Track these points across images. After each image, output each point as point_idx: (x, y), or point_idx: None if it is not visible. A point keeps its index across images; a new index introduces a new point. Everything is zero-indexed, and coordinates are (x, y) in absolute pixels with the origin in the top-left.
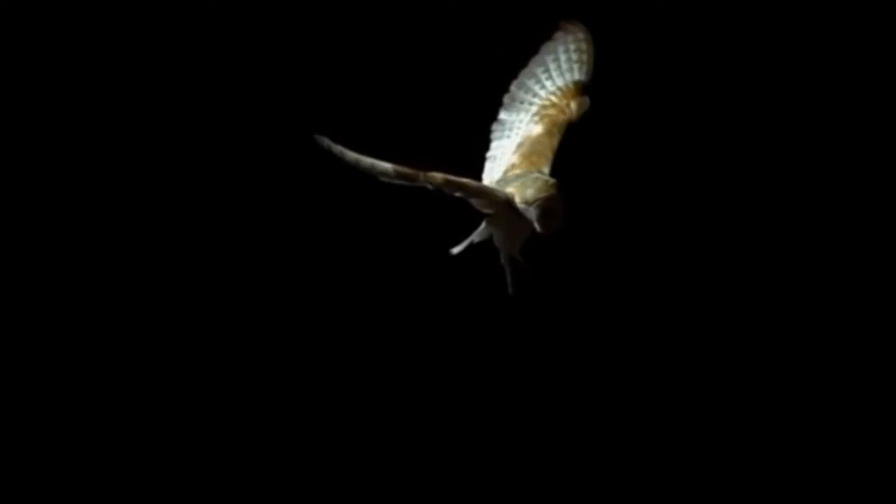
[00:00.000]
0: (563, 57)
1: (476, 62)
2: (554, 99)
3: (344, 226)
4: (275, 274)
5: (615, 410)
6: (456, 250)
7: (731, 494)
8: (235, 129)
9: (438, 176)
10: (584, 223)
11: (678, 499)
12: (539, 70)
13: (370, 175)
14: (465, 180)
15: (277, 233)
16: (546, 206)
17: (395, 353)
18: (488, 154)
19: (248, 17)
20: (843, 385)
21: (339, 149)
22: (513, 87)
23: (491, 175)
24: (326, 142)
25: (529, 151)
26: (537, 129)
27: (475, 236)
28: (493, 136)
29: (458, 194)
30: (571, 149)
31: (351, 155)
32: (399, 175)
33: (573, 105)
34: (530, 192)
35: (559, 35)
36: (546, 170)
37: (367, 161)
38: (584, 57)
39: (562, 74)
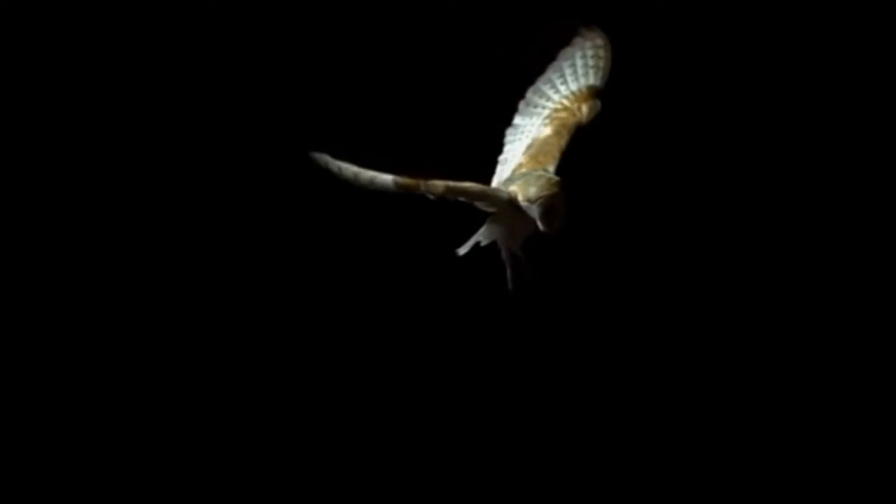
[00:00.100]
0: (579, 62)
1: (476, 62)
2: (566, 102)
3: (343, 223)
4: (275, 272)
5: (613, 408)
6: (462, 251)
7: (731, 494)
8: (235, 130)
9: (439, 184)
10: (587, 222)
11: (678, 499)
12: (555, 76)
13: (370, 189)
14: (466, 185)
15: (278, 232)
16: (549, 205)
17: (395, 350)
18: (500, 158)
19: (248, 18)
20: (843, 385)
21: (337, 165)
22: (528, 93)
23: (500, 177)
24: (325, 158)
25: (537, 151)
26: (546, 131)
27: (480, 236)
28: (507, 139)
29: (461, 198)
30: (578, 149)
31: (350, 171)
32: (400, 187)
33: (584, 108)
34: (533, 191)
35: (577, 41)
36: (552, 168)
37: (367, 175)
38: (601, 63)
39: (577, 79)
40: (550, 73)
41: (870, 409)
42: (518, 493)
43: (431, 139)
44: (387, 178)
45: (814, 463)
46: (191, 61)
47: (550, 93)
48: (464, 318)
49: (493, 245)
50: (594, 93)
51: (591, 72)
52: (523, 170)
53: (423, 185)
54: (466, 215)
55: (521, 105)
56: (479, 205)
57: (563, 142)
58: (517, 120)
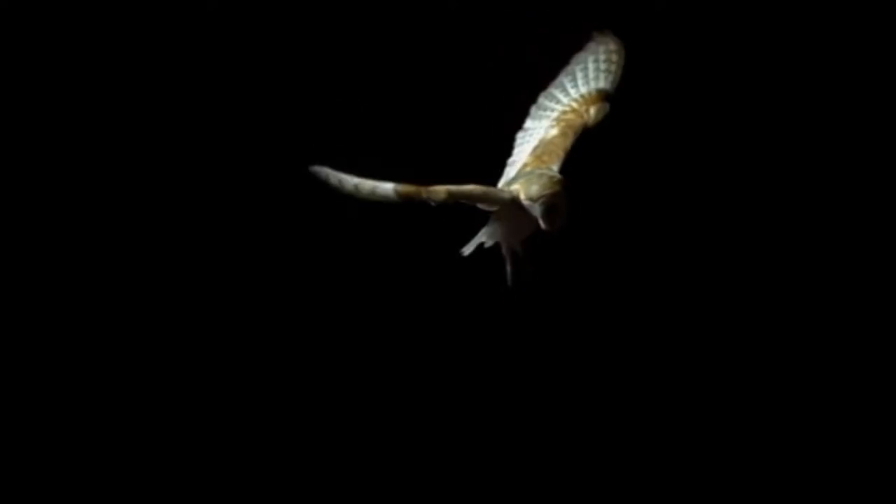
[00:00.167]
0: (591, 66)
1: (476, 62)
2: (575, 105)
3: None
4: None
5: (609, 405)
6: (467, 252)
7: (730, 494)
8: (235, 130)
9: (441, 190)
10: (589, 221)
11: (678, 498)
12: (567, 80)
13: (371, 201)
14: (468, 188)
15: (278, 231)
16: (550, 203)
17: (395, 344)
18: (509, 160)
19: (248, 18)
20: (843, 385)
21: (337, 178)
22: (540, 98)
23: (507, 179)
24: (325, 171)
25: (542, 151)
26: (553, 132)
27: (483, 236)
28: (516, 143)
29: (463, 201)
30: (583, 151)
31: (350, 183)
32: (401, 196)
33: (592, 110)
34: (535, 189)
35: (590, 45)
36: (555, 168)
37: (367, 186)
38: (613, 67)
39: (587, 83)
40: (563, 78)
41: (870, 408)
42: (515, 489)
43: (431, 140)
44: (387, 188)
45: (813, 462)
46: (190, 61)
47: (561, 96)
48: (462, 314)
49: (494, 243)
50: (603, 96)
51: (602, 76)
52: (527, 169)
53: (424, 192)
54: (468, 213)
55: (533, 109)
56: (482, 205)
57: (568, 142)
58: (528, 123)
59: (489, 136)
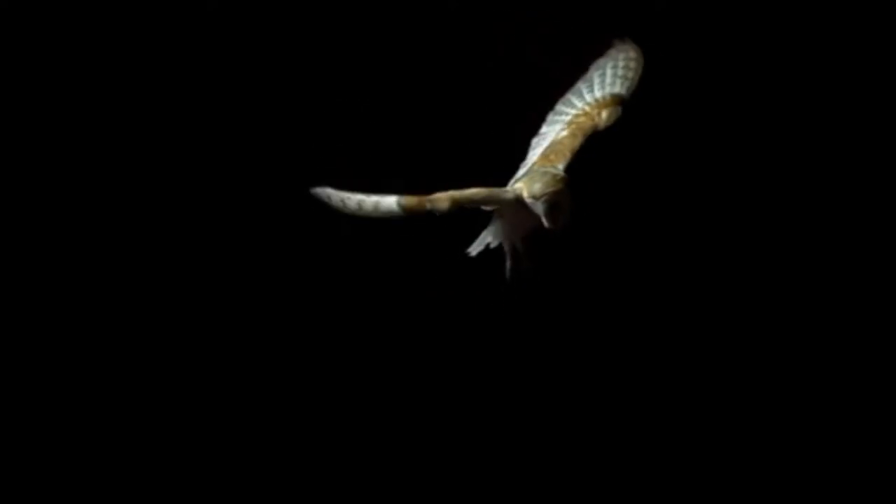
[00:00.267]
0: (609, 73)
1: (476, 62)
2: (588, 109)
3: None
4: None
5: (605, 402)
6: (474, 252)
7: (730, 494)
8: (234, 130)
9: (444, 198)
10: (591, 220)
11: (678, 498)
12: (584, 86)
13: (375, 218)
14: (470, 192)
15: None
16: (553, 201)
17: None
18: (522, 164)
19: (248, 18)
20: (843, 385)
21: (340, 197)
22: (558, 104)
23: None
24: (326, 192)
25: (549, 151)
26: (563, 133)
27: (489, 235)
28: (531, 147)
29: (467, 205)
30: (592, 152)
31: (352, 201)
32: (405, 209)
33: (604, 113)
34: (537, 187)
35: (611, 52)
36: (561, 167)
37: (370, 202)
38: (631, 74)
39: (603, 87)
40: (581, 84)
41: (870, 408)
42: (512, 485)
43: (431, 140)
44: (390, 202)
45: (813, 462)
46: (190, 62)
47: (577, 101)
48: (460, 308)
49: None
50: (618, 101)
51: (619, 81)
52: (534, 168)
53: (427, 202)
54: (469, 211)
55: (550, 115)
56: (485, 206)
57: (576, 143)
58: (543, 129)
59: (489, 137)
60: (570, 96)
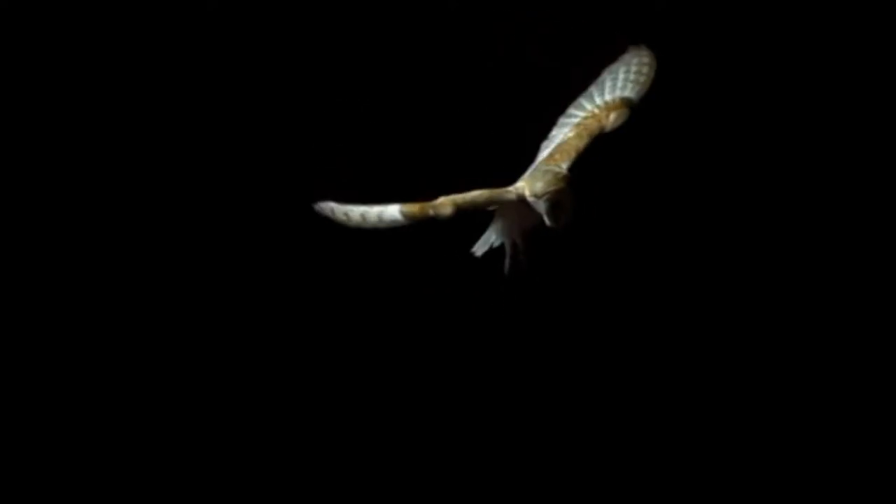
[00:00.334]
0: (621, 77)
1: (476, 62)
2: (596, 111)
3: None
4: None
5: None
6: (479, 252)
7: (730, 493)
8: (234, 130)
9: (447, 204)
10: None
11: (677, 498)
12: (595, 90)
13: (379, 229)
14: (472, 195)
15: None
16: (555, 200)
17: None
18: (530, 167)
19: (248, 19)
20: (844, 385)
21: (342, 211)
22: (569, 108)
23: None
24: (329, 207)
25: (555, 151)
26: (570, 135)
27: (492, 233)
28: (540, 150)
29: (470, 209)
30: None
31: (355, 213)
32: (408, 217)
33: (612, 116)
34: (539, 186)
35: (625, 57)
36: (565, 166)
37: (374, 213)
38: (643, 79)
39: (614, 91)
40: (593, 88)
41: (870, 409)
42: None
43: (431, 140)
44: (393, 212)
45: (813, 462)
46: (190, 62)
47: (587, 104)
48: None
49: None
50: (627, 104)
51: (629, 85)
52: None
53: (430, 209)
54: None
55: (560, 119)
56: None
57: (582, 143)
58: (553, 132)
59: (490, 137)
60: (582, 100)
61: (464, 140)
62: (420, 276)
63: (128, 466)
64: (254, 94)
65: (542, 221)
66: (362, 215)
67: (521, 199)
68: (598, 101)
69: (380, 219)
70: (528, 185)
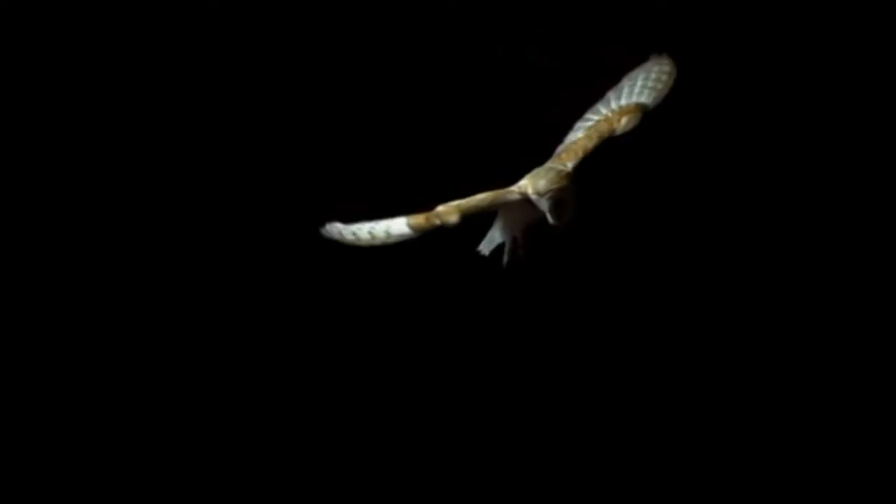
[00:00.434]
0: (639, 83)
1: (476, 62)
2: (609, 115)
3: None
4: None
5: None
6: (486, 251)
7: (730, 493)
8: (233, 130)
9: (451, 211)
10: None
11: (677, 497)
12: (613, 95)
13: (387, 245)
14: (476, 199)
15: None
16: (557, 198)
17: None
18: None
19: (248, 19)
20: (844, 385)
21: (350, 231)
22: (587, 113)
23: None
24: (336, 228)
25: (563, 150)
26: (580, 136)
27: (496, 231)
28: (554, 154)
29: (475, 213)
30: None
31: (363, 232)
32: (415, 229)
33: (623, 119)
34: (542, 184)
35: (646, 65)
36: (570, 165)
37: (381, 229)
38: (660, 86)
39: (630, 96)
40: (610, 93)
41: (870, 409)
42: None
43: (431, 140)
44: (400, 225)
45: (813, 462)
46: (190, 62)
47: (603, 109)
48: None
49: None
50: (641, 109)
51: (646, 91)
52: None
53: (437, 219)
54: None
55: (577, 123)
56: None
57: (590, 143)
58: (569, 137)
59: (490, 137)
60: (599, 105)
61: (464, 140)
62: (422, 276)
63: (128, 466)
64: (254, 94)
65: (545, 219)
66: (370, 233)
67: (525, 197)
68: (614, 105)
69: (388, 234)
70: (531, 183)
